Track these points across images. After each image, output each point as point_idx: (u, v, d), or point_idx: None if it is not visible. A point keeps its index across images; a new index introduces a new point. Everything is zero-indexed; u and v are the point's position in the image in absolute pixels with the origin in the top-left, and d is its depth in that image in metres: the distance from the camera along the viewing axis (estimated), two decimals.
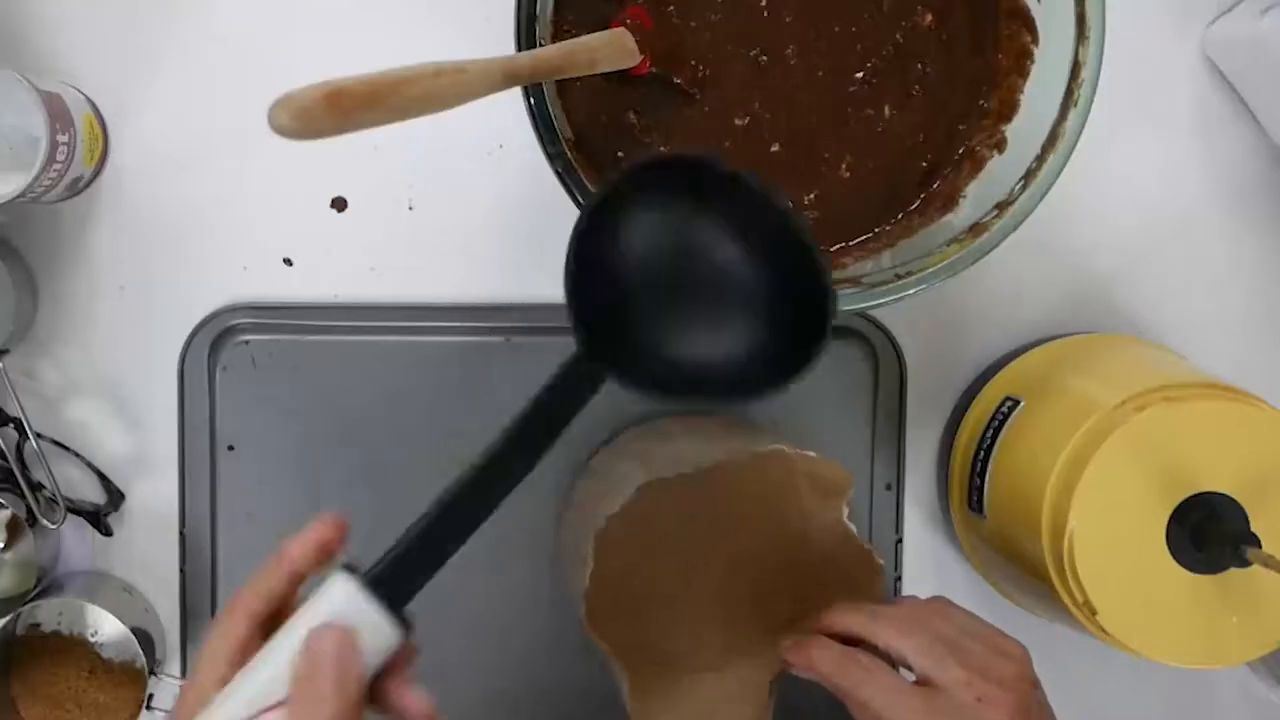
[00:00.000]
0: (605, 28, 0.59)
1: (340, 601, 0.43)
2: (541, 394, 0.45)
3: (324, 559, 0.46)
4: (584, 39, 0.55)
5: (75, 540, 0.69)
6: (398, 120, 0.45)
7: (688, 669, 0.66)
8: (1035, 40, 0.59)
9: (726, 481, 0.65)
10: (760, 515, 0.66)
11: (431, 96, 0.46)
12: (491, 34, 0.65)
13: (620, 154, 0.60)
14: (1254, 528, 0.56)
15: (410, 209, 0.69)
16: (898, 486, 0.70)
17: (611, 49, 0.56)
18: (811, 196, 0.62)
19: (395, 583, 0.44)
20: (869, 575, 0.62)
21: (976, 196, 0.59)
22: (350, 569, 0.44)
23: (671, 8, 0.60)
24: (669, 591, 0.67)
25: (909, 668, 0.55)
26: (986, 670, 0.53)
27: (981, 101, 0.61)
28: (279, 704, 0.42)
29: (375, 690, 0.44)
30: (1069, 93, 0.56)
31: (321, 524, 0.46)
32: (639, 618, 0.66)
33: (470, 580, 0.69)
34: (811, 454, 0.61)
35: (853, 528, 0.62)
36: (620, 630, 0.61)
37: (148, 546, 0.69)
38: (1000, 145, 0.60)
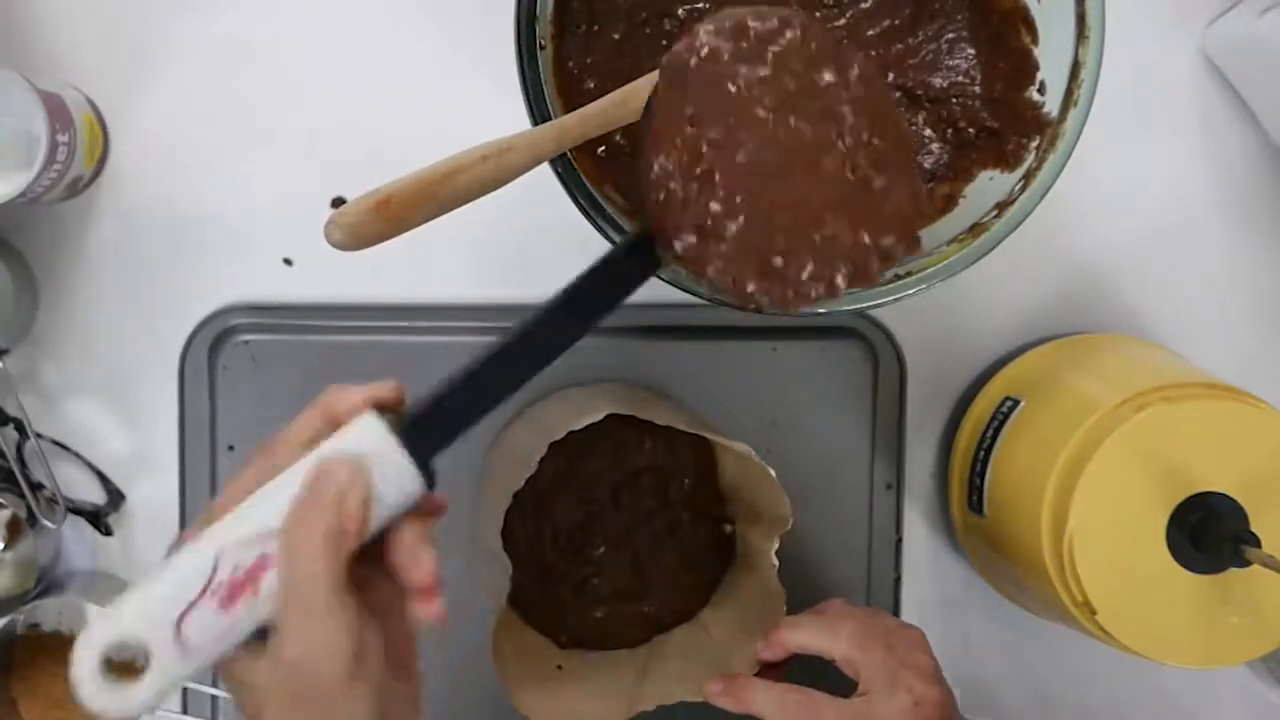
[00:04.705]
0: (613, 27, 0.59)
1: (364, 440, 0.40)
2: (605, 260, 0.44)
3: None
4: (628, 88, 0.52)
5: (75, 540, 0.69)
6: (450, 211, 0.44)
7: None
8: (1035, 40, 0.59)
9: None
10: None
11: (479, 183, 0.45)
12: (491, 30, 0.65)
13: (624, 145, 0.60)
14: (1254, 528, 0.56)
15: None
16: (898, 486, 0.70)
17: None
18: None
19: (427, 430, 0.41)
20: (774, 609, 0.61)
21: (976, 196, 0.59)
22: (381, 409, 0.41)
23: None
24: None
25: (855, 674, 0.57)
26: (915, 667, 0.57)
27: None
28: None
29: (386, 543, 0.41)
30: (1069, 93, 0.56)
31: (379, 385, 0.42)
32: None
33: None
34: (772, 472, 0.60)
35: (776, 564, 0.61)
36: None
37: (148, 546, 0.69)
38: None
